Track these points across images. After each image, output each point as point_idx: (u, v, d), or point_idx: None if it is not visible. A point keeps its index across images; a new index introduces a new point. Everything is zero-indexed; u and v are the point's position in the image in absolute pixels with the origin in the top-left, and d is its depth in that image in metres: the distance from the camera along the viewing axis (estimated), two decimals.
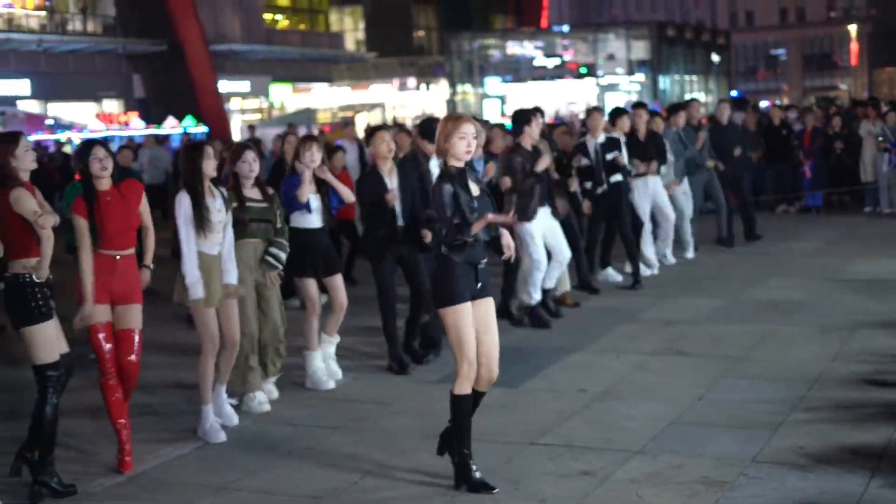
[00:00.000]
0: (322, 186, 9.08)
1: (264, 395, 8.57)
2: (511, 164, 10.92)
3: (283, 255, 8.65)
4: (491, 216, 6.49)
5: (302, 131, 22.49)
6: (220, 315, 7.92)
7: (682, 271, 14.14)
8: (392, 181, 9.52)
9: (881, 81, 76.98)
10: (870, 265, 13.79)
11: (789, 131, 20.49)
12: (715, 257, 15.23)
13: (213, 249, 7.83)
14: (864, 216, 19.29)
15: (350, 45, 63.65)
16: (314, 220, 9.07)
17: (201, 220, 7.70)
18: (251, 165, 8.57)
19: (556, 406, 8.20)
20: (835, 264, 14.00)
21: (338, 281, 9.21)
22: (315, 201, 9.04)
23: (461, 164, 6.53)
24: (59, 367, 6.73)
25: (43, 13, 42.65)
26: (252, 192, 8.55)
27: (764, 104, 36.91)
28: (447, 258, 6.44)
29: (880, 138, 19.26)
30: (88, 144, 7.38)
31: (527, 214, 10.86)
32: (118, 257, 7.19)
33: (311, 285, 9.13)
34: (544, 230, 11.21)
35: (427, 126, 10.17)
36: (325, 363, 9.27)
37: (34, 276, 6.64)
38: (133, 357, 7.26)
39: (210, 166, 7.79)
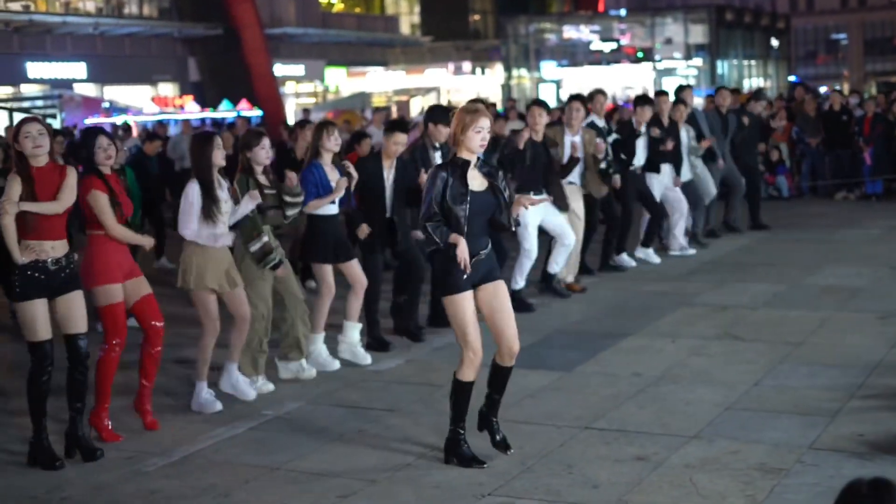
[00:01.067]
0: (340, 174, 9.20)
1: (265, 379, 8.65)
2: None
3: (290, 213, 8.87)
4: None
5: (317, 117, 22.41)
6: (228, 299, 8.10)
7: (739, 257, 14.04)
8: (389, 176, 9.69)
9: None
10: None
11: (849, 117, 20.22)
12: (772, 244, 15.09)
13: (215, 243, 7.96)
14: None
15: (405, 28, 63.67)
16: (332, 207, 9.17)
17: (210, 210, 7.83)
18: (268, 152, 8.71)
19: (610, 390, 8.15)
20: (894, 252, 13.80)
21: (354, 265, 9.30)
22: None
23: (471, 158, 6.57)
24: (40, 349, 6.91)
25: None
26: (262, 179, 8.64)
27: (822, 89, 36.46)
28: (445, 250, 6.48)
29: None
30: (93, 133, 7.60)
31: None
32: None
33: (329, 271, 9.20)
34: (542, 219, 11.26)
35: (439, 111, 10.39)
36: (353, 350, 9.35)
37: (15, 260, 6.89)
38: (159, 322, 7.70)
39: (219, 156, 7.90)
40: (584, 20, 64.68)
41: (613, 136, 13.10)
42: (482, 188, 6.58)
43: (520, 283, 11.30)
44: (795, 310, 10.64)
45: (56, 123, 31.14)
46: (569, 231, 11.42)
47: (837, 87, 38.63)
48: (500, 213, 6.65)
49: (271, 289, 8.64)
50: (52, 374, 6.99)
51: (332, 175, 9.09)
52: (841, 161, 20.28)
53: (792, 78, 59.30)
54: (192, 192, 7.85)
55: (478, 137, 6.52)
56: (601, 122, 12.91)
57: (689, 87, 15.67)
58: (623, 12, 64.71)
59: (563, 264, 11.66)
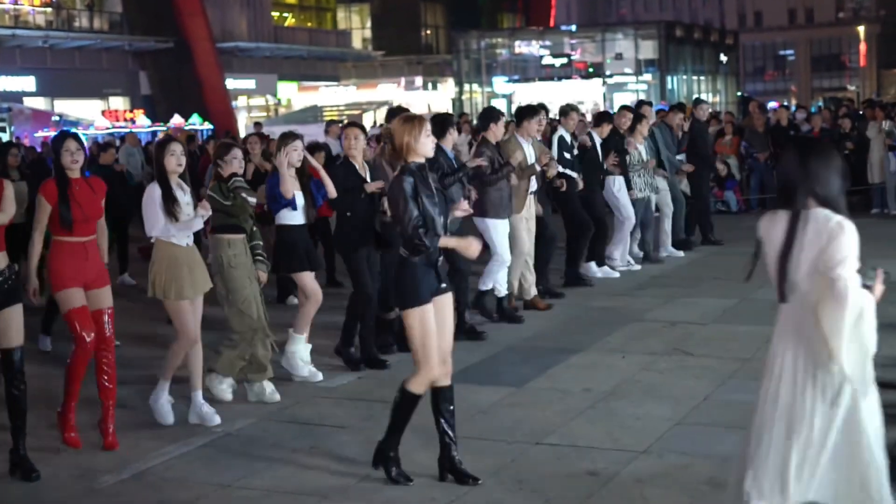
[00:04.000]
0: (305, 183, 9.23)
1: (230, 384, 8.69)
2: (481, 155, 10.95)
3: (265, 254, 8.95)
4: (452, 242, 6.55)
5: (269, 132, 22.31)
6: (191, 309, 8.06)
7: (688, 271, 14.14)
8: (366, 173, 9.64)
9: (890, 83, 76.85)
10: (879, 266, 13.67)
11: (797, 132, 20.45)
12: (722, 258, 15.18)
13: (181, 241, 7.93)
14: (871, 217, 19.19)
15: (357, 43, 63.75)
16: (299, 217, 9.19)
17: (170, 211, 7.79)
18: (241, 162, 8.76)
19: (561, 406, 8.17)
20: None
21: (306, 277, 9.29)
22: (300, 198, 9.16)
23: (422, 161, 6.57)
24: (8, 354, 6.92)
25: (49, 10, 42.76)
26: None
27: (772, 105, 36.84)
28: (405, 259, 6.45)
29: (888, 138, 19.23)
30: (62, 136, 7.62)
31: (499, 211, 11.08)
32: (86, 243, 7.52)
33: (309, 277, 9.23)
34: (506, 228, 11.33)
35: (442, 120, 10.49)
36: (290, 361, 9.33)
37: None
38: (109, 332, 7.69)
39: (172, 162, 7.87)
40: (535, 35, 65.01)
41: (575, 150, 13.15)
42: (437, 191, 6.59)
43: (488, 284, 11.28)
44: (745, 325, 10.71)
45: (5, 137, 30.87)
46: (509, 250, 11.39)
47: (785, 103, 39.03)
48: (446, 217, 6.65)
49: (258, 294, 8.63)
50: None
51: (293, 184, 9.10)
52: None
53: (739, 93, 59.78)
54: (154, 192, 7.84)
55: (429, 141, 6.54)
56: (568, 137, 12.95)
57: (648, 102, 15.83)
58: (574, 28, 65.18)
59: (489, 283, 11.59)
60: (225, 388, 8.68)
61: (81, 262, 7.46)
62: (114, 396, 7.71)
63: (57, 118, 34.50)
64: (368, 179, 9.58)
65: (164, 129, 33.42)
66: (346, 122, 33.49)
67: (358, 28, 65.02)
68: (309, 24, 60.54)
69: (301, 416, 8.28)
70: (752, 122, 21.56)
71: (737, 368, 9.09)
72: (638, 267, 14.39)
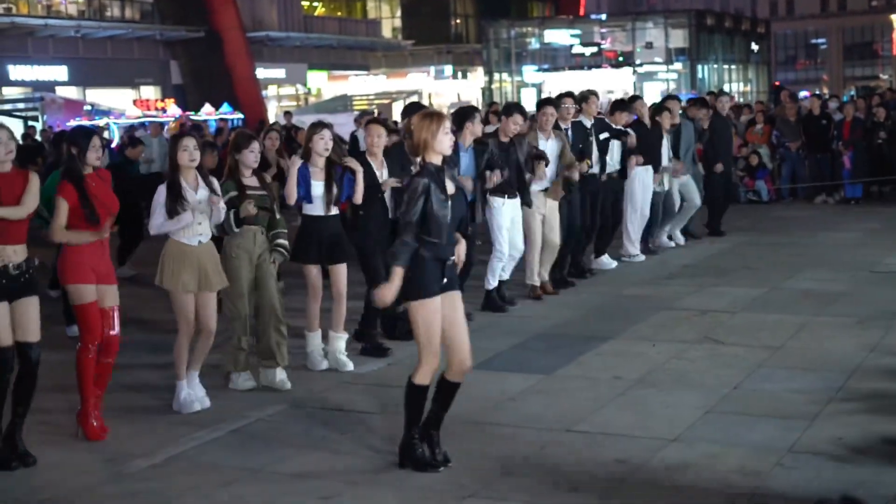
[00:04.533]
0: (331, 174, 9.12)
1: (249, 375, 8.73)
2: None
3: (287, 244, 8.90)
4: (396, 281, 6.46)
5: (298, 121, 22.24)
6: (198, 303, 8.09)
7: (718, 261, 14.09)
8: (383, 174, 9.66)
9: None
10: None
11: (829, 121, 20.33)
12: (752, 248, 15.15)
13: (191, 240, 8.01)
14: None
15: (387, 32, 63.71)
16: (316, 208, 9.10)
17: (173, 207, 7.87)
18: (257, 155, 8.75)
19: (591, 393, 8.18)
20: (874, 256, 13.88)
21: (339, 270, 9.24)
22: (318, 188, 9.07)
23: (439, 162, 6.55)
24: (1, 353, 6.89)
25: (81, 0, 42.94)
26: (251, 181, 8.67)
27: (803, 94, 36.63)
28: (417, 254, 6.44)
29: None
30: (88, 134, 7.63)
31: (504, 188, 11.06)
32: (103, 239, 7.57)
33: (312, 270, 9.20)
34: (511, 221, 11.30)
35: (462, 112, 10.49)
36: (336, 357, 9.29)
37: None
38: (113, 331, 7.63)
39: (185, 157, 7.94)
40: (564, 24, 64.74)
41: (604, 134, 13.09)
42: (453, 192, 6.58)
43: (492, 283, 11.36)
44: (775, 314, 10.69)
45: (38, 126, 31.10)
46: (519, 242, 11.43)
47: (818, 92, 38.81)
48: (467, 216, 6.67)
49: (250, 287, 8.65)
50: (10, 380, 6.94)
51: (319, 175, 9.06)
52: (820, 165, 20.39)
53: (772, 83, 59.46)
54: (160, 190, 7.96)
55: (447, 139, 6.53)
56: (588, 123, 12.88)
57: (676, 97, 15.76)
58: (604, 17, 64.89)
59: (510, 272, 11.63)
60: (245, 380, 8.72)
61: (98, 258, 7.51)
62: (104, 389, 7.73)
63: (89, 107, 34.65)
64: (385, 176, 9.64)
65: (197, 118, 33.51)
66: (375, 114, 33.60)
67: (388, 17, 64.95)
68: (339, 14, 60.57)
69: (330, 402, 8.32)
70: (783, 112, 21.47)
71: (767, 357, 9.07)
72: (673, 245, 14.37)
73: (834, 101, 22.40)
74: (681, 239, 15.52)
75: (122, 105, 37.43)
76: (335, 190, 9.09)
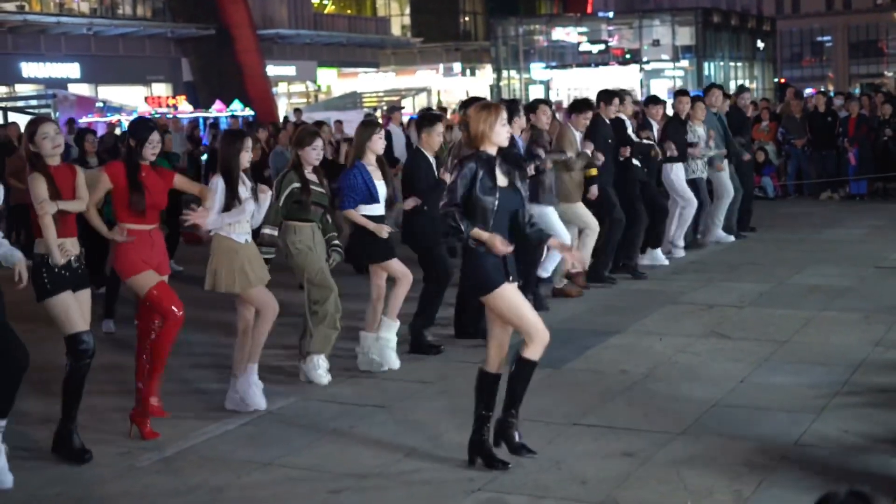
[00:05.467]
0: (387, 173, 9.10)
1: (327, 366, 8.69)
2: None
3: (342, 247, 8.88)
4: (497, 242, 6.37)
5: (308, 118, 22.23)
6: (253, 296, 8.00)
7: (725, 256, 14.14)
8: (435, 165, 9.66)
9: None
10: None
11: (834, 118, 20.37)
12: (758, 244, 15.19)
13: (240, 237, 7.96)
14: None
15: (396, 30, 63.77)
16: (378, 208, 9.02)
17: (231, 204, 7.85)
18: (319, 153, 8.72)
19: (598, 387, 8.23)
20: (879, 251, 13.93)
21: (396, 262, 9.15)
22: (382, 188, 9.01)
23: (494, 153, 6.53)
24: (80, 338, 6.91)
25: None
26: (311, 177, 8.65)
27: (809, 91, 36.62)
28: (473, 250, 6.44)
29: None
30: (148, 127, 7.64)
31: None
32: (151, 231, 7.57)
33: (386, 269, 9.12)
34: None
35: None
36: (386, 350, 9.19)
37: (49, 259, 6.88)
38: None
39: (246, 158, 7.94)
40: (572, 22, 64.82)
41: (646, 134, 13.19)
42: (505, 185, 6.53)
43: (549, 270, 11.50)
44: (781, 308, 10.75)
45: None
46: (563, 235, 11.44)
47: (823, 89, 38.80)
48: (523, 210, 6.62)
49: (327, 268, 8.65)
50: (90, 366, 7.01)
51: (377, 174, 9.01)
52: (826, 161, 20.42)
53: (777, 80, 59.44)
54: (217, 183, 7.89)
55: (504, 131, 6.50)
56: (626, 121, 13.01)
57: (685, 91, 15.81)
58: (611, 14, 64.92)
59: (551, 269, 11.69)
60: (321, 374, 8.65)
61: (148, 250, 7.50)
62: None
63: (101, 104, 34.75)
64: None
65: (208, 115, 33.59)
66: (377, 112, 33.61)
67: (397, 15, 64.99)
68: (348, 11, 60.65)
69: (341, 395, 8.38)
70: (789, 109, 21.49)
71: (773, 351, 9.12)
72: (682, 253, 14.31)
73: (839, 99, 22.41)
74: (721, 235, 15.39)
75: (133, 102, 37.55)
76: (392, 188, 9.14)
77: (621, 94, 13.21)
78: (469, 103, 10.10)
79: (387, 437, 7.29)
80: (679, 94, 14.98)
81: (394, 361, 9.16)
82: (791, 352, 9.12)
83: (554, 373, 8.70)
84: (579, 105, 12.23)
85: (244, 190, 7.95)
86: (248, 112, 35.95)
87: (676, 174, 13.98)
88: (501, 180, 6.51)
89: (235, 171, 7.90)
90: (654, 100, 14.50)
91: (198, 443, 7.36)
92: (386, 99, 51.63)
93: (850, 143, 19.83)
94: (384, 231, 8.97)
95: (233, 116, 30.76)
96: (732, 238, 15.39)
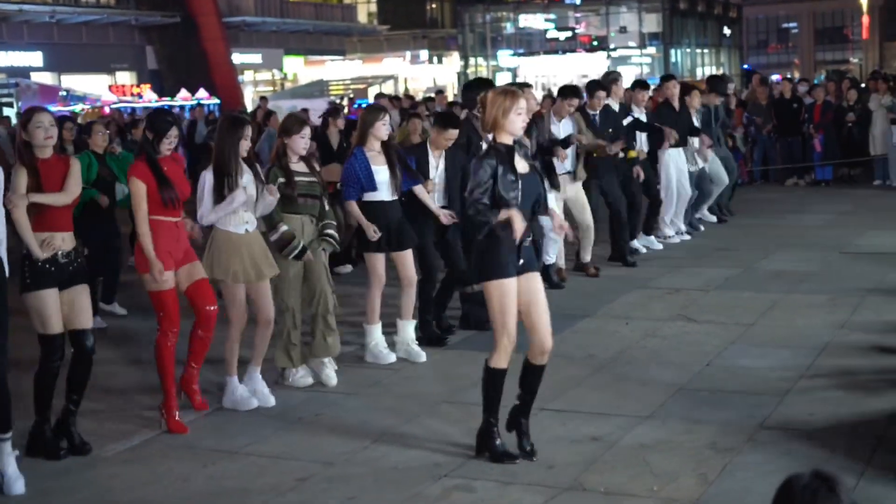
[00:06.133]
0: (392, 158, 8.83)
1: (306, 370, 8.39)
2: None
3: (336, 234, 8.54)
4: (515, 221, 6.20)
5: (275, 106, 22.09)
6: (253, 292, 7.80)
7: (692, 243, 14.17)
8: (439, 164, 9.46)
9: (892, 55, 76.53)
10: (879, 237, 13.81)
11: (800, 104, 20.47)
12: (725, 229, 15.26)
13: (239, 228, 7.70)
14: (873, 189, 19.30)
15: (362, 17, 63.59)
16: (381, 193, 8.76)
17: (222, 194, 7.57)
18: (307, 141, 8.39)
19: (565, 372, 8.23)
20: (844, 236, 14.01)
21: (406, 256, 8.95)
22: (383, 174, 8.75)
23: (510, 142, 6.38)
24: (51, 341, 6.76)
25: None
26: (298, 166, 8.30)
27: (775, 77, 36.78)
28: (492, 235, 6.27)
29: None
30: (169, 121, 7.48)
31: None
32: (178, 222, 7.42)
33: (379, 259, 8.88)
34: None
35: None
36: (408, 346, 9.03)
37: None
38: (212, 306, 7.53)
39: (245, 146, 7.66)
40: (539, 9, 64.87)
41: (629, 118, 13.19)
42: (526, 171, 6.40)
43: (551, 257, 11.56)
44: (747, 292, 10.80)
45: (12, 112, 30.94)
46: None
47: (789, 76, 38.97)
48: (544, 195, 6.54)
49: (298, 278, 8.28)
50: (60, 368, 6.85)
51: (379, 160, 8.77)
52: (791, 148, 20.51)
53: (745, 66, 59.65)
54: (205, 177, 7.64)
55: (519, 120, 6.35)
56: (616, 106, 12.97)
57: (644, 82, 15.84)
58: (578, 1, 64.95)
59: (553, 254, 11.67)
60: (301, 377, 8.37)
61: (174, 243, 7.33)
62: (201, 362, 7.69)
63: (64, 93, 34.50)
64: (440, 169, 9.46)
65: (174, 104, 33.41)
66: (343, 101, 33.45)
67: (363, 2, 64.78)
68: None
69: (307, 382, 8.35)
70: (754, 96, 21.57)
71: (739, 334, 9.17)
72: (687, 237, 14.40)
73: (803, 85, 22.51)
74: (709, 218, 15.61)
75: (97, 91, 37.28)
76: (399, 174, 8.83)
77: (615, 78, 13.22)
78: (471, 87, 10.10)
79: (354, 424, 7.29)
80: (666, 78, 14.97)
81: (420, 355, 8.96)
82: (757, 335, 9.17)
83: (521, 357, 8.69)
84: (566, 91, 12.18)
85: (243, 179, 7.64)
86: (214, 100, 35.76)
87: (675, 161, 13.95)
88: (522, 166, 6.38)
89: (233, 161, 7.58)
90: (641, 84, 14.48)
91: (164, 432, 7.32)
92: (353, 87, 51.50)
93: (816, 130, 19.93)
94: (371, 231, 8.72)
95: (198, 105, 30.57)
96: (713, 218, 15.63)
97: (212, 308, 7.50)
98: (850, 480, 5.74)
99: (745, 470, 6.13)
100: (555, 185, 11.25)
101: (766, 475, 5.96)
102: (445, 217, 9.20)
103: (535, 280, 6.49)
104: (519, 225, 6.17)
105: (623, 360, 8.54)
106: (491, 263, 6.32)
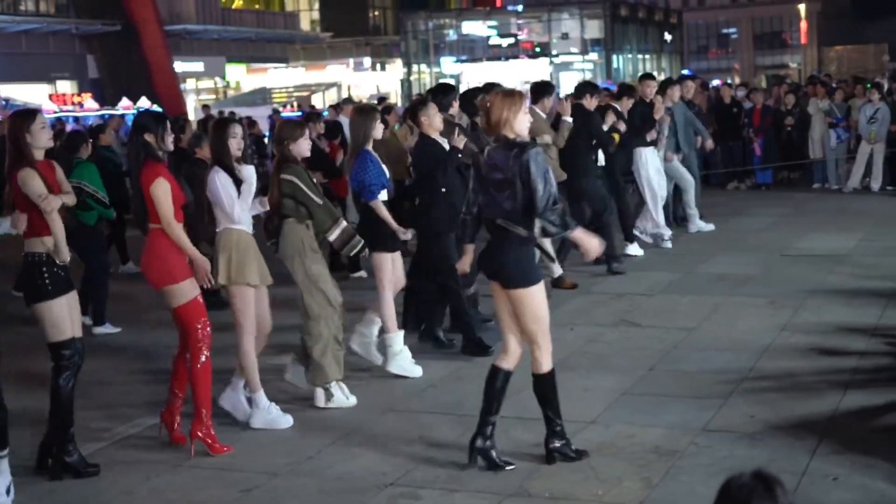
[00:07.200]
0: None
1: (344, 387, 8.02)
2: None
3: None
4: (581, 237, 6.34)
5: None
6: (258, 298, 7.55)
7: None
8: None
9: (830, 60, 77.57)
10: (818, 240, 13.97)
11: (739, 109, 20.69)
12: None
13: (251, 228, 7.51)
14: (812, 192, 19.52)
15: (305, 25, 63.42)
16: (384, 194, 8.65)
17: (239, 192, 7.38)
18: (309, 145, 8.21)
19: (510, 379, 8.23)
20: (784, 239, 14.16)
21: (399, 257, 8.90)
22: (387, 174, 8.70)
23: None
24: (70, 346, 6.63)
25: None
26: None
27: (715, 82, 37.15)
28: (526, 239, 6.26)
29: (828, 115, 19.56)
30: (161, 118, 7.38)
31: None
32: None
33: (388, 261, 8.75)
34: None
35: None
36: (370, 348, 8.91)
37: (56, 258, 6.55)
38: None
39: (235, 145, 7.48)
40: (482, 16, 65.10)
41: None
42: None
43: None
44: (689, 296, 10.89)
45: None
46: None
47: (729, 81, 39.34)
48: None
49: (331, 279, 8.04)
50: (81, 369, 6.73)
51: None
52: (732, 152, 20.71)
53: (685, 71, 60.18)
54: (221, 178, 7.41)
55: (526, 119, 6.35)
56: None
57: (593, 84, 15.89)
58: (520, 8, 65.23)
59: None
60: (347, 393, 7.99)
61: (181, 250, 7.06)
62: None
63: (3, 102, 34.11)
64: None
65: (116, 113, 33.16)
66: (296, 105, 33.38)
67: (306, 10, 64.62)
68: (256, 6, 60.14)
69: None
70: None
71: (681, 338, 9.24)
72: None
73: (742, 90, 22.74)
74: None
75: (37, 100, 36.89)
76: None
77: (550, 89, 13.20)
78: (474, 91, 9.97)
79: (298, 434, 7.26)
80: (645, 78, 14.93)
81: (377, 358, 8.87)
82: (699, 339, 9.24)
83: (465, 365, 8.73)
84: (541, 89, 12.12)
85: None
86: (157, 108, 35.52)
87: (652, 160, 13.91)
88: None
89: (228, 160, 7.43)
90: (626, 91, 14.49)
91: (106, 445, 7.27)
92: (296, 94, 51.39)
93: (756, 134, 20.14)
94: (402, 232, 8.62)
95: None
96: (711, 226, 15.45)
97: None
98: (791, 481, 5.81)
99: (688, 473, 6.18)
100: None
101: (710, 477, 6.00)
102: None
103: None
104: (595, 251, 6.45)
105: (567, 366, 8.54)
106: (528, 269, 6.32)
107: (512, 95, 6.36)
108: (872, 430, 6.84)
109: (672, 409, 7.35)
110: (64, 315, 6.60)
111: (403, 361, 8.63)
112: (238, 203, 7.35)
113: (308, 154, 8.14)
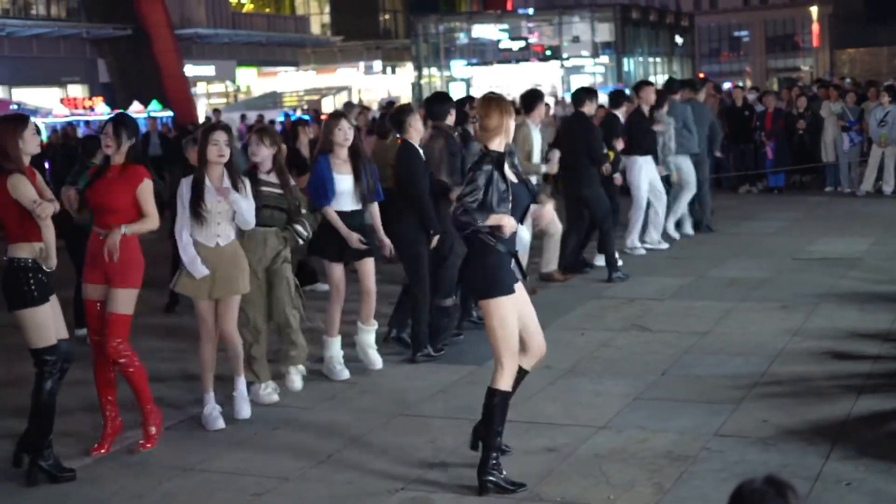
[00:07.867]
0: (360, 167, 8.67)
1: (273, 386, 8.25)
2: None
3: (305, 233, 8.40)
4: (497, 219, 6.09)
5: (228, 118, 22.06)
6: (219, 308, 7.62)
7: (646, 252, 14.21)
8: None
9: (842, 62, 77.45)
10: (830, 244, 13.93)
11: (751, 112, 20.64)
12: (679, 240, 15.30)
13: (209, 241, 7.51)
14: (825, 196, 19.46)
15: (315, 28, 63.52)
16: (341, 202, 8.61)
17: (197, 210, 7.42)
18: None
19: (521, 384, 8.22)
20: (796, 243, 14.12)
21: (367, 265, 8.82)
22: (345, 182, 8.61)
23: (502, 149, 6.27)
24: (54, 351, 6.63)
25: None
26: (269, 177, 8.21)
27: (727, 85, 37.09)
28: (490, 247, 6.12)
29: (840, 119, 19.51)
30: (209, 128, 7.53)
31: None
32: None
33: (336, 270, 8.74)
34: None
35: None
36: (365, 352, 9.01)
37: (44, 265, 6.56)
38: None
39: (213, 153, 7.43)
40: (492, 19, 65.08)
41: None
42: (515, 181, 6.29)
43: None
44: (701, 301, 10.85)
45: None
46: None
47: (741, 84, 39.27)
48: (529, 205, 6.41)
49: (262, 293, 8.23)
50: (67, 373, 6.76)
51: (345, 168, 8.61)
52: (744, 155, 20.69)
53: (701, 75, 60.18)
54: (184, 185, 7.43)
55: (513, 127, 6.38)
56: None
57: (593, 90, 15.87)
58: (531, 11, 65.16)
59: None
60: (268, 393, 8.21)
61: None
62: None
63: (15, 106, 34.21)
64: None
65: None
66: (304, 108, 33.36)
67: (316, 13, 64.71)
68: (267, 10, 60.29)
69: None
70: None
71: (693, 343, 9.21)
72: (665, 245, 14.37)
73: (753, 93, 22.69)
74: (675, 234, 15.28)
75: (49, 104, 37.01)
76: (366, 182, 8.65)
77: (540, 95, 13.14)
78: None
79: (309, 438, 7.25)
80: (643, 84, 14.70)
81: (377, 362, 8.97)
82: (711, 343, 9.21)
83: (477, 370, 8.71)
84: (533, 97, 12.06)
85: (214, 195, 7.43)
86: (167, 113, 35.61)
87: (647, 169, 13.81)
88: (511, 176, 6.26)
89: (202, 172, 7.44)
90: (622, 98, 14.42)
91: (118, 449, 7.26)
92: (306, 98, 51.44)
93: (768, 137, 20.09)
94: (354, 239, 8.60)
95: (151, 118, 30.43)
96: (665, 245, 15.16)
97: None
98: (804, 486, 5.79)
99: (700, 478, 6.16)
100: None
101: (721, 483, 5.98)
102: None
103: (521, 290, 6.35)
104: (510, 226, 6.09)
105: (578, 371, 8.55)
106: (493, 280, 6.13)
107: (501, 103, 6.27)
108: (886, 434, 6.81)
109: (684, 413, 7.32)
110: (48, 320, 6.62)
111: (329, 364, 8.82)
112: (181, 214, 7.46)
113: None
